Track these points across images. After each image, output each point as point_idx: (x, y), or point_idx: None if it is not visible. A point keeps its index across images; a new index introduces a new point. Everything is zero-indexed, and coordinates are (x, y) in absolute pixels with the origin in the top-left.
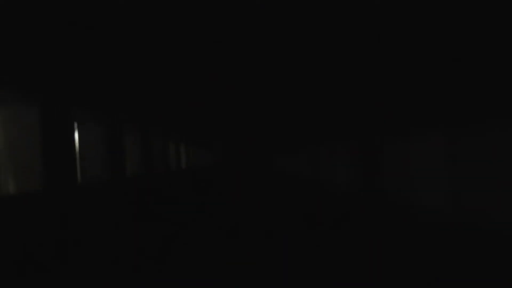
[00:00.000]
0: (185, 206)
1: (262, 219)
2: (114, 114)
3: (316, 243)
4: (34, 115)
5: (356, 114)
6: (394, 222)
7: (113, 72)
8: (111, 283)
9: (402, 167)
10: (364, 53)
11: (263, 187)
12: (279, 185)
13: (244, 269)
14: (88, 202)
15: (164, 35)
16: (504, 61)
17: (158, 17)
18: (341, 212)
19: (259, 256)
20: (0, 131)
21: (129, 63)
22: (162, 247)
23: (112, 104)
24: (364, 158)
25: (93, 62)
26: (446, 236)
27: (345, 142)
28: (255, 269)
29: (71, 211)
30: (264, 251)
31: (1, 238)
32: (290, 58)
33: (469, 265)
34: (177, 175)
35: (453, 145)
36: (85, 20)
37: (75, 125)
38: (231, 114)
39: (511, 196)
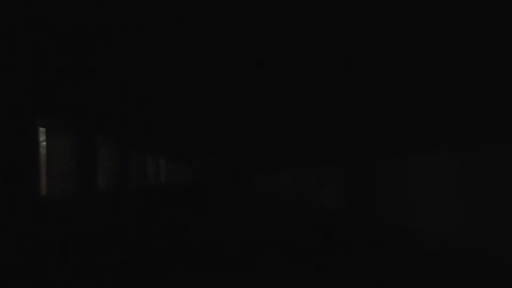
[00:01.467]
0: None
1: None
2: (87, 123)
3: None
4: None
5: (346, 129)
6: (390, 251)
7: (86, 80)
8: None
9: (400, 189)
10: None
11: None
12: (258, 206)
13: None
14: (51, 218)
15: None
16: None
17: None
18: (328, 239)
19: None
20: None
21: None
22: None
23: (85, 113)
24: (356, 179)
25: (62, 66)
26: (455, 268)
27: (334, 162)
28: None
29: (31, 227)
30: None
31: None
32: (272, 78)
33: None
34: (154, 189)
35: (464, 164)
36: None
37: (42, 131)
38: (212, 132)
39: None
